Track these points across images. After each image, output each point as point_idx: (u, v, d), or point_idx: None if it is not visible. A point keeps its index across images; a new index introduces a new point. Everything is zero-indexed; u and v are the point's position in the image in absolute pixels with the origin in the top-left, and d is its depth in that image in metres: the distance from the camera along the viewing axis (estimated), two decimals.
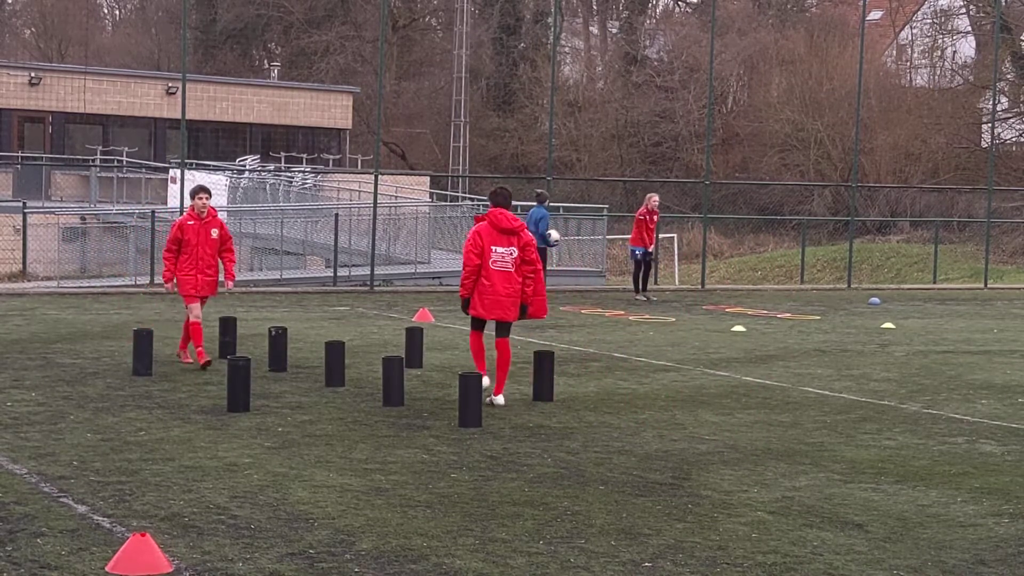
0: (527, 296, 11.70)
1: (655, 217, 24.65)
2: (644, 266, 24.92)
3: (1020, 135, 49.87)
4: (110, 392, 11.91)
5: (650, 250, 24.84)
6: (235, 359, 11.21)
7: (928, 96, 52.28)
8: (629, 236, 25.39)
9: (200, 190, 13.87)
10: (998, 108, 42.98)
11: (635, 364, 15.04)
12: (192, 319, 13.60)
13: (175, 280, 13.73)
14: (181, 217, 13.88)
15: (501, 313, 11.60)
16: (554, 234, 24.24)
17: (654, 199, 24.46)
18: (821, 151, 50.17)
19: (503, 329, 11.78)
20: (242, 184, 36.72)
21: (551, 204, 26.99)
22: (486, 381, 11.63)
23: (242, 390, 11.03)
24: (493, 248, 11.53)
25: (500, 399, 11.71)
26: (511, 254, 11.57)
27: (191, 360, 13.76)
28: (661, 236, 32.95)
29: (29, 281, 27.09)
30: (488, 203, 11.88)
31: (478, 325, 11.90)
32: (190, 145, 40.60)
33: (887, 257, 43.55)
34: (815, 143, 50.06)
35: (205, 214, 13.73)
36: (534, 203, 24.27)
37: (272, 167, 42.21)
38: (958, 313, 23.86)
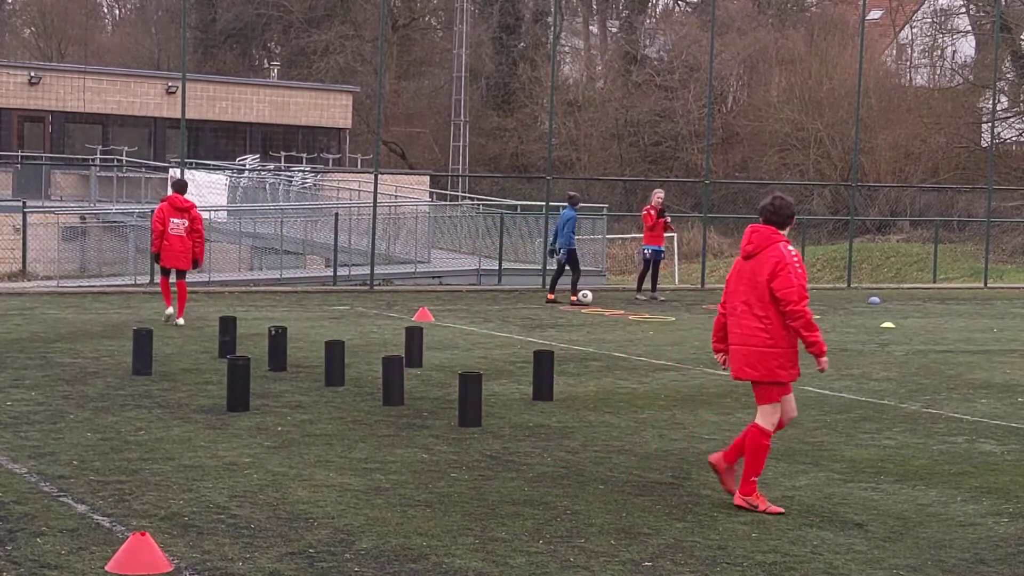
0: (197, 253, 17.28)
1: (653, 213, 24.11)
2: (653, 265, 24.61)
3: (1020, 134, 49.85)
4: (110, 392, 11.90)
5: (660, 248, 24.56)
6: (235, 358, 11.22)
7: (928, 96, 52.25)
8: (630, 236, 25.18)
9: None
10: (998, 107, 42.97)
11: (635, 363, 15.04)
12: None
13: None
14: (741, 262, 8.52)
15: (178, 263, 17.19)
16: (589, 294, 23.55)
17: (658, 195, 24.19)
18: (821, 150, 50.13)
19: (181, 274, 17.42)
20: (242, 184, 36.75)
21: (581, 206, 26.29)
22: (170, 311, 17.26)
23: (242, 389, 11.03)
24: (171, 220, 17.03)
25: (181, 320, 17.17)
26: (183, 224, 17.06)
27: None
28: None
29: (29, 280, 27.10)
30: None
31: (165, 272, 17.48)
32: (190, 144, 40.59)
33: (887, 256, 43.54)
34: (815, 142, 50.03)
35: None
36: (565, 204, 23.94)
37: (272, 166, 42.24)
38: (958, 312, 23.84)
